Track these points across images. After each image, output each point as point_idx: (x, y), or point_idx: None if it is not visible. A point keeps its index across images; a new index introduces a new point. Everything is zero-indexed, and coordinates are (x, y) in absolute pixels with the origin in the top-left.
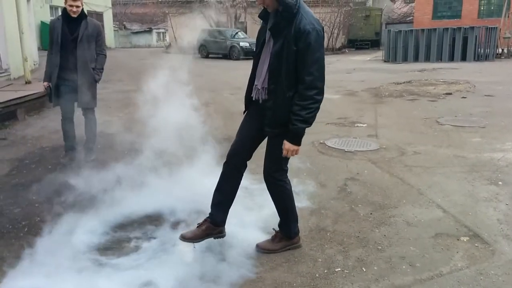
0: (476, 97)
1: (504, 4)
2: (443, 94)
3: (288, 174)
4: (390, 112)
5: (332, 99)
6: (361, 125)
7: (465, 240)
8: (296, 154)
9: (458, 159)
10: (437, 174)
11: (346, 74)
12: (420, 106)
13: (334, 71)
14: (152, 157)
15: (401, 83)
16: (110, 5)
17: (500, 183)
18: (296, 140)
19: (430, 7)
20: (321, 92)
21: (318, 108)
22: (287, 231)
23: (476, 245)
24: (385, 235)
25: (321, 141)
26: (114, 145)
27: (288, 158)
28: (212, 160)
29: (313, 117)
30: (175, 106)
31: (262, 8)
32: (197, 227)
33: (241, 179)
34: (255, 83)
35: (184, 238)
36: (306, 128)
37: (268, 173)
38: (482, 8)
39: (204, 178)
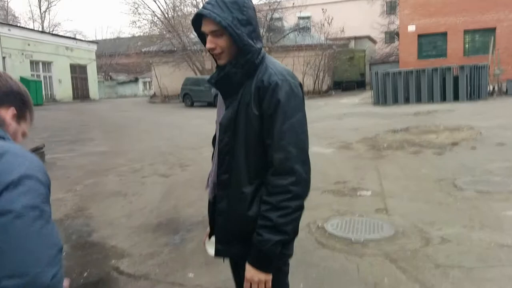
0: (487, 147)
1: (490, 41)
2: (449, 144)
3: None
4: (395, 171)
5: (325, 154)
6: (365, 193)
7: None
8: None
9: (504, 250)
10: (486, 283)
11: (337, 120)
12: (427, 161)
13: (324, 117)
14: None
15: (398, 131)
16: (94, 58)
17: None
18: (264, 263)
19: (415, 47)
20: (301, 181)
21: (299, 209)
22: None
23: None
24: None
25: (320, 224)
26: None
27: None
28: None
29: (292, 224)
30: (144, 174)
31: (216, 65)
32: None
33: None
34: (211, 177)
35: None
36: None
37: None
38: (467, 46)
39: None
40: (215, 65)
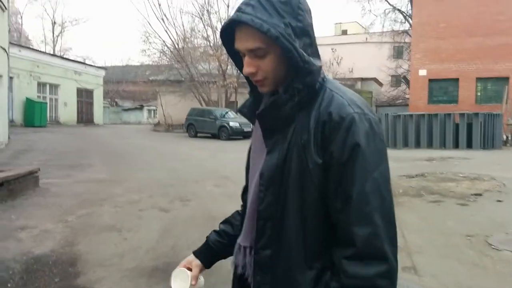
0: None
1: (504, 90)
2: (472, 194)
3: None
4: (416, 221)
5: None
6: None
7: None
8: None
9: None
10: None
11: None
12: (450, 212)
13: None
14: None
15: (413, 177)
16: (101, 83)
17: None
18: None
19: (426, 91)
20: (392, 271)
21: None
22: None
23: None
24: None
25: None
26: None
27: None
28: None
29: None
30: (142, 206)
31: (250, 93)
32: None
33: None
34: (239, 239)
35: None
36: None
37: None
38: (479, 94)
39: None
40: (225, 96)
